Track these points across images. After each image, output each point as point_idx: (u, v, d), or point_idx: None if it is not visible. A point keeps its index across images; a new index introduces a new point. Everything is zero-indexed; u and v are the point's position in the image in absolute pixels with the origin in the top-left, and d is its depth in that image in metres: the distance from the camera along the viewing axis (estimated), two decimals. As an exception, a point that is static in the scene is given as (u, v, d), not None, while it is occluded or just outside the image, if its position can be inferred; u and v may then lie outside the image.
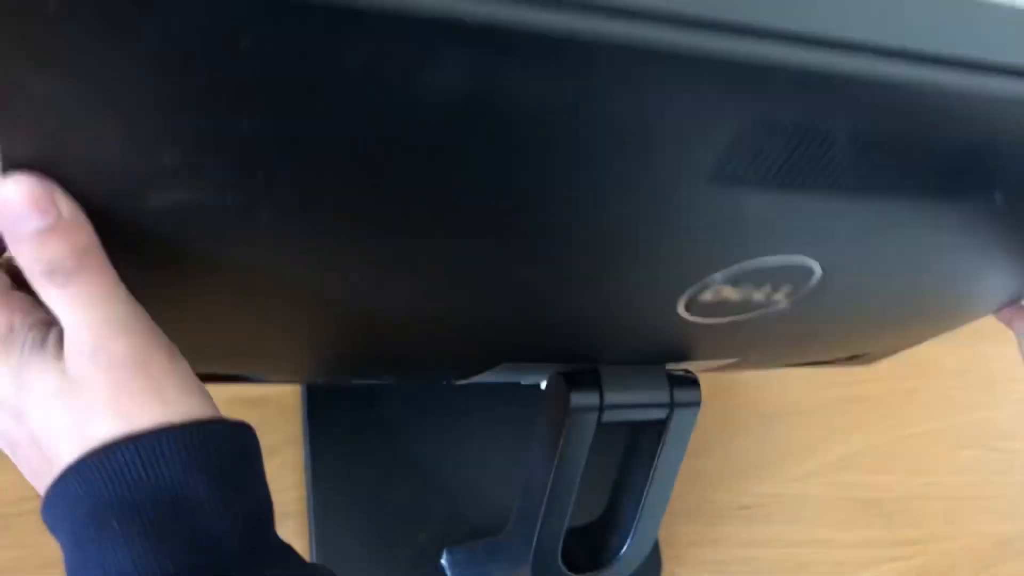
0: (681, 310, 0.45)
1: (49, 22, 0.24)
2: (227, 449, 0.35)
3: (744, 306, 0.45)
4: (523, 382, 0.71)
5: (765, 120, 0.31)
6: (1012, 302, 0.62)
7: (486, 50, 0.26)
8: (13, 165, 0.29)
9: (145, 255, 0.35)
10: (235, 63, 0.25)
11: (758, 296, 0.44)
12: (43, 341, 0.35)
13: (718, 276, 0.41)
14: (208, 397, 0.37)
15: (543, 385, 0.59)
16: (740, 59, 0.28)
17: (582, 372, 0.55)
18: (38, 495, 0.60)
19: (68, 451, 0.34)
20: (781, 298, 0.45)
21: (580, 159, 0.31)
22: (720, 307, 0.45)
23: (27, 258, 0.32)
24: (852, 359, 0.70)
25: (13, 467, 0.59)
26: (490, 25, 0.25)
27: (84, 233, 0.32)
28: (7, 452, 0.37)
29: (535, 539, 0.58)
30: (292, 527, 0.65)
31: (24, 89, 0.26)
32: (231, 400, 0.66)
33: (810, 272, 0.43)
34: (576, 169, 0.32)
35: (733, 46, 0.27)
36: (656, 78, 0.28)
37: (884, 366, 0.75)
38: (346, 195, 0.32)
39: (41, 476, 0.35)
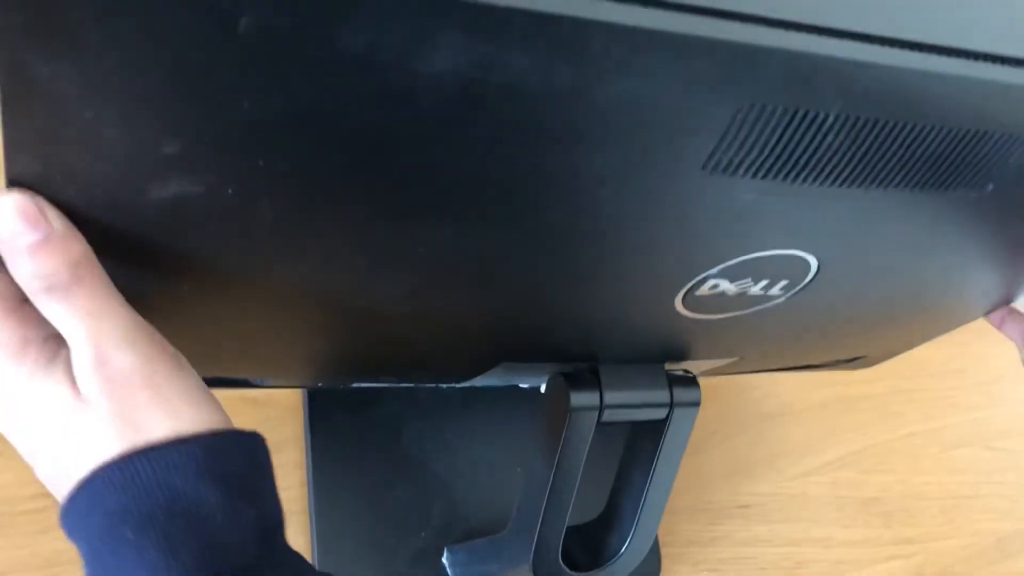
0: (679, 306, 0.45)
1: (54, 7, 0.24)
2: (238, 459, 0.36)
3: (741, 301, 0.45)
4: (522, 385, 0.71)
5: (757, 106, 0.31)
6: (1004, 303, 0.62)
7: (483, 33, 0.26)
8: (15, 153, 0.29)
9: (148, 254, 0.35)
10: (233, 48, 0.26)
11: (755, 291, 0.44)
12: (54, 355, 0.35)
13: (715, 271, 0.42)
14: (217, 405, 0.37)
15: (543, 388, 0.59)
16: (732, 44, 0.28)
17: (582, 372, 0.55)
18: (38, 494, 0.61)
19: (81, 464, 0.34)
20: (778, 293, 0.45)
21: (576, 146, 0.32)
22: (717, 302, 0.45)
23: (24, 274, 0.33)
24: (849, 363, 0.71)
25: (13, 467, 0.59)
26: (486, 7, 0.25)
27: (77, 245, 0.33)
28: (31, 463, 0.38)
29: (535, 538, 0.58)
30: (293, 526, 0.66)
31: (29, 78, 0.26)
32: (232, 399, 0.66)
33: (806, 266, 0.43)
34: (572, 157, 0.32)
35: (725, 31, 0.28)
36: (650, 62, 0.28)
37: (883, 366, 0.75)
38: (344, 183, 0.32)
39: (59, 488, 0.36)
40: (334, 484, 0.67)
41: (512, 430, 0.74)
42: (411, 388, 0.71)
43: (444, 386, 0.70)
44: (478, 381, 0.59)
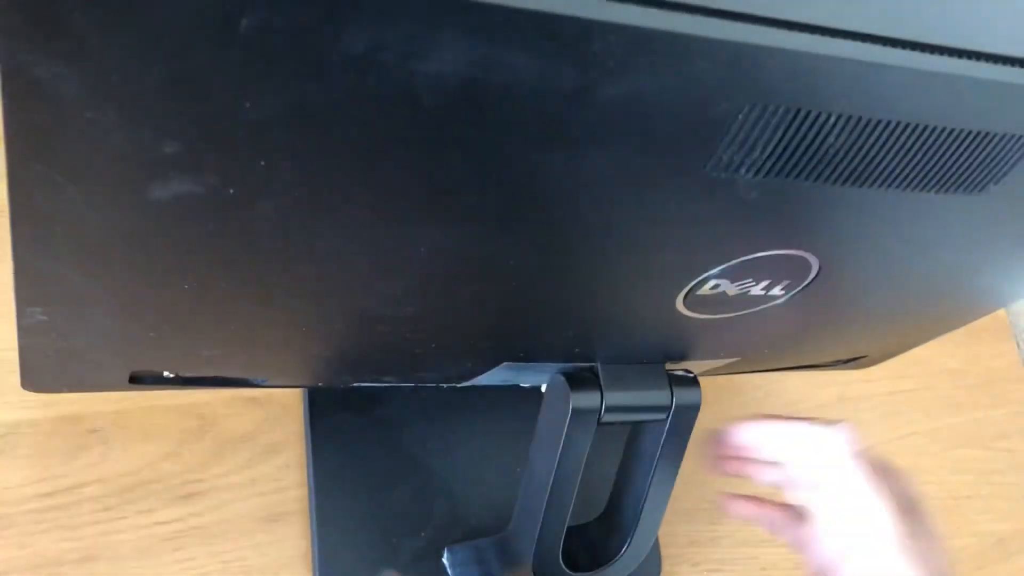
0: (680, 306, 0.45)
1: (55, 8, 0.24)
2: None
3: (743, 302, 0.45)
4: (523, 384, 0.71)
5: (759, 106, 0.31)
6: (1005, 304, 0.62)
7: (485, 33, 0.26)
8: (16, 152, 0.29)
9: (149, 254, 0.35)
10: (235, 48, 0.26)
11: (756, 291, 0.44)
12: None
13: (716, 271, 0.42)
14: None
15: (544, 388, 0.59)
16: (734, 44, 0.28)
17: (582, 373, 0.55)
18: (40, 494, 0.61)
19: None
20: (779, 293, 0.45)
21: (577, 146, 0.32)
22: (719, 303, 0.45)
23: None
24: (850, 362, 0.71)
25: (15, 467, 0.59)
26: (488, 6, 0.25)
27: None
28: None
29: (536, 538, 0.58)
30: (293, 526, 0.66)
31: (30, 78, 0.26)
32: (231, 399, 0.67)
33: (808, 267, 0.43)
34: (573, 157, 0.32)
35: (728, 31, 0.28)
36: (652, 62, 0.28)
37: (883, 366, 0.75)
38: (346, 184, 0.32)
39: None
40: (335, 484, 0.67)
41: (513, 430, 0.74)
42: (412, 388, 0.71)
43: (445, 386, 0.70)
44: (479, 381, 0.59)
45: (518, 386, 0.72)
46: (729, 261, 0.41)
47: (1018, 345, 1.10)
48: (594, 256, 0.40)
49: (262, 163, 0.30)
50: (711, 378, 0.71)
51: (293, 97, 0.28)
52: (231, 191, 0.31)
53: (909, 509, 0.58)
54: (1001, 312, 1.09)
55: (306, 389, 0.69)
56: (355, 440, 0.69)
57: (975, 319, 0.64)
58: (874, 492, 0.56)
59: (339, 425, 0.69)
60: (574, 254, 0.39)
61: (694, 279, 0.42)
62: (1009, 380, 1.06)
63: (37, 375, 0.48)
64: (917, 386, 1.00)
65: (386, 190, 0.33)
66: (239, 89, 0.27)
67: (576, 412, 0.54)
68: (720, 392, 0.87)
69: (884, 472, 0.57)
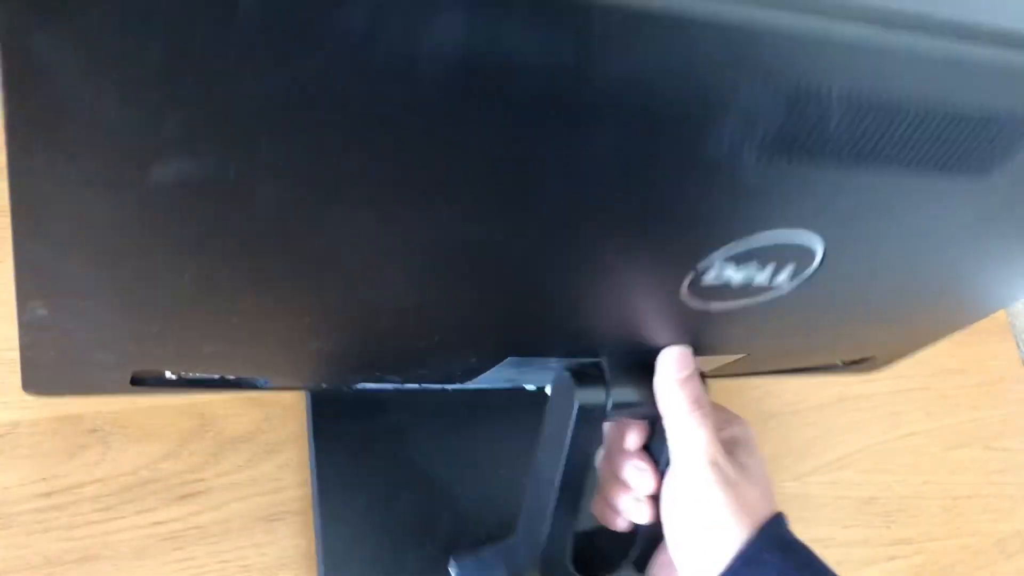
0: (684, 295, 0.45)
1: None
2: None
3: (747, 291, 0.45)
4: (527, 385, 0.71)
5: (760, 85, 0.31)
6: (1014, 300, 0.62)
7: (485, 11, 0.26)
8: (16, 134, 0.29)
9: (150, 243, 0.35)
10: (235, 26, 0.25)
11: (761, 278, 0.44)
12: None
13: (720, 255, 0.42)
14: None
15: (548, 389, 0.58)
16: (736, 23, 0.28)
17: (588, 369, 0.55)
18: (39, 494, 0.60)
19: None
20: (784, 281, 0.45)
21: (578, 126, 0.32)
22: (723, 291, 0.45)
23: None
24: (857, 364, 0.71)
25: (13, 466, 0.59)
26: None
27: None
28: None
29: (543, 543, 0.57)
30: (293, 526, 0.65)
31: (30, 58, 0.26)
32: (231, 398, 0.67)
33: (812, 251, 0.43)
34: (574, 137, 0.32)
35: (729, 10, 0.28)
36: (652, 42, 0.28)
37: (883, 365, 0.75)
38: (346, 165, 0.32)
39: None
40: (340, 491, 0.67)
41: (518, 437, 0.73)
42: (416, 394, 0.71)
43: (450, 388, 0.69)
44: (484, 382, 0.59)
45: (523, 392, 0.72)
46: (731, 244, 0.41)
47: (1018, 345, 1.10)
48: (595, 240, 0.40)
49: (262, 142, 0.30)
50: (712, 380, 0.71)
51: (293, 76, 0.27)
52: (231, 173, 0.31)
53: (733, 441, 0.56)
54: (1001, 312, 1.10)
55: (308, 393, 0.69)
56: (360, 446, 0.69)
57: (978, 318, 0.64)
58: (693, 421, 0.54)
59: (343, 431, 0.68)
60: (575, 238, 0.39)
61: (697, 263, 0.42)
62: (1009, 380, 1.06)
63: (38, 377, 0.48)
64: (917, 386, 1.00)
65: (386, 172, 0.33)
66: (239, 67, 0.27)
67: (582, 409, 0.54)
68: (720, 392, 0.87)
69: (710, 406, 0.55)
